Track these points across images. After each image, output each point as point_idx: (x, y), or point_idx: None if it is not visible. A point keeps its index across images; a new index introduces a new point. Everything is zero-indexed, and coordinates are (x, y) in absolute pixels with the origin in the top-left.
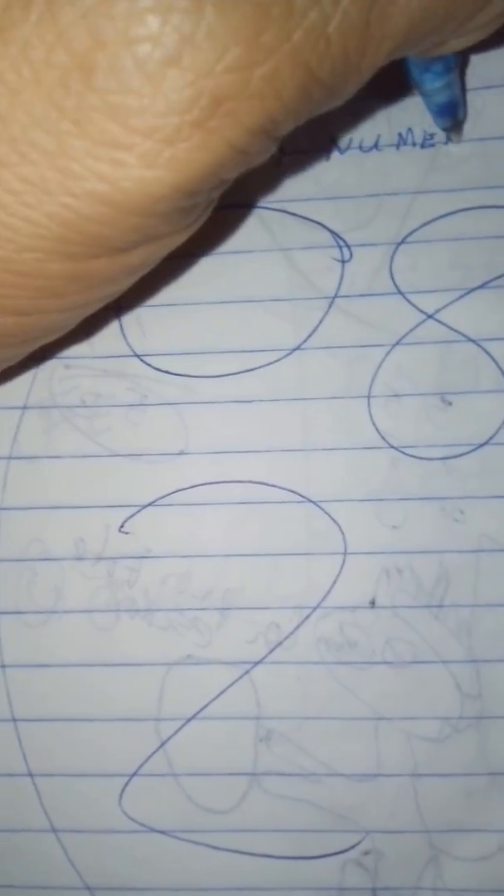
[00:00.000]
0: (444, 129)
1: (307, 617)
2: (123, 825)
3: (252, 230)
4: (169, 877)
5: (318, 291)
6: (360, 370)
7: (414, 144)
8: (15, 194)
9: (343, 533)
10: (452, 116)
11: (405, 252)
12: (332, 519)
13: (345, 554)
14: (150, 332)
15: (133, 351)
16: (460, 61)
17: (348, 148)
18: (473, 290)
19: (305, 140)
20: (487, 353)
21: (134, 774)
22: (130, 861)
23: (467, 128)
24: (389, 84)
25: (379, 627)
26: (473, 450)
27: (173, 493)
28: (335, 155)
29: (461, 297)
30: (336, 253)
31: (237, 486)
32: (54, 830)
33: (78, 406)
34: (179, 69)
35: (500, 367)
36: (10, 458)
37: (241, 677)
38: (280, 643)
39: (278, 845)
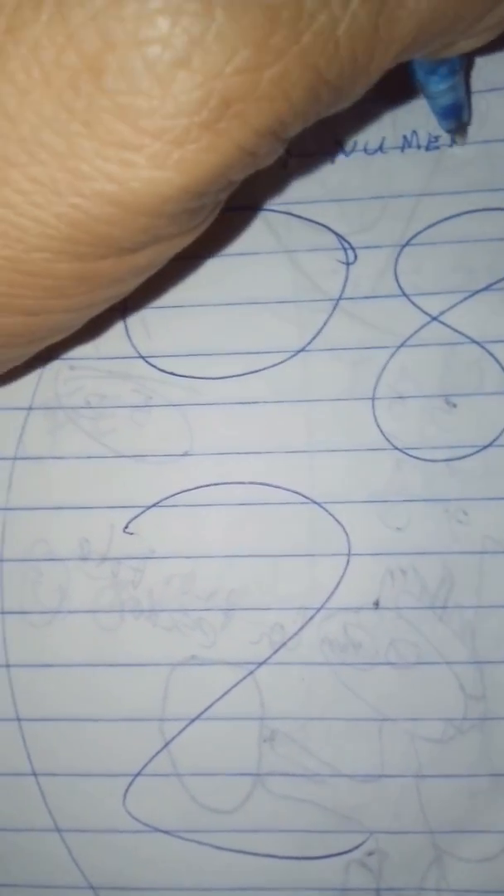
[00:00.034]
0: (449, 132)
1: (311, 618)
2: (127, 825)
3: (257, 232)
4: (173, 877)
5: (323, 293)
6: (364, 372)
7: (419, 147)
8: (24, 194)
9: (347, 534)
10: (457, 119)
11: (410, 254)
12: (336, 520)
13: (349, 555)
14: (155, 333)
15: (138, 352)
16: (465, 64)
17: (353, 150)
18: (478, 292)
19: (311, 143)
20: (492, 355)
21: (138, 774)
22: (134, 861)
23: (472, 130)
24: (394, 87)
25: (383, 628)
26: (477, 451)
27: (178, 493)
28: (340, 157)
29: (465, 299)
30: (341, 255)
31: (242, 488)
32: (58, 830)
33: (83, 407)
34: (189, 71)
35: None
36: (15, 458)
37: (245, 678)
38: (284, 644)
39: (282, 845)
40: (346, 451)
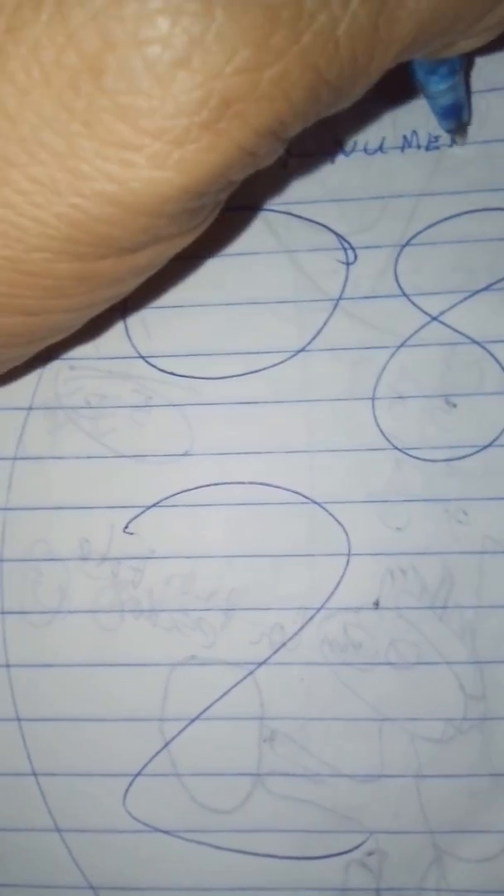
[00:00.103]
0: (449, 132)
1: (311, 618)
2: (127, 825)
3: (257, 232)
4: (173, 877)
5: (323, 293)
6: (364, 372)
7: (419, 147)
8: (24, 194)
9: (347, 534)
10: (457, 119)
11: (410, 254)
12: (336, 520)
13: (349, 555)
14: (155, 333)
15: (138, 352)
16: (465, 63)
17: (353, 151)
18: (478, 292)
19: (311, 143)
20: (492, 355)
21: (138, 774)
22: (134, 861)
23: (472, 130)
24: (395, 87)
25: (383, 628)
26: (477, 451)
27: (178, 493)
28: (340, 158)
29: (465, 299)
30: (341, 255)
31: (242, 488)
32: (58, 830)
33: (83, 407)
34: (189, 71)
35: None
36: (15, 458)
37: (245, 678)
38: (284, 644)
39: (282, 845)
40: (346, 451)
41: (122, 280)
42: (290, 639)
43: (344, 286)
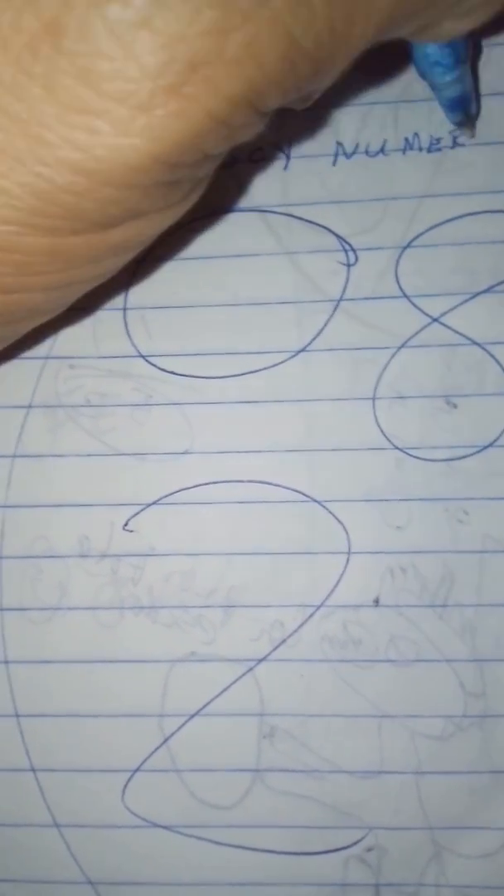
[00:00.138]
0: (457, 125)
1: (311, 615)
2: (126, 820)
3: (258, 234)
4: (172, 872)
5: (324, 294)
6: (364, 372)
7: (420, 149)
8: None
9: (347, 532)
10: (464, 111)
11: (411, 256)
12: (337, 518)
13: (349, 553)
14: (156, 332)
15: (138, 351)
16: (470, 54)
17: (354, 152)
18: (479, 294)
19: (312, 144)
20: (492, 356)
21: (137, 770)
22: (133, 856)
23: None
24: (396, 88)
25: (383, 626)
26: (478, 451)
27: (178, 491)
28: (341, 159)
29: (466, 301)
30: (342, 257)
31: (242, 486)
32: (57, 826)
33: (83, 405)
34: (151, 31)
35: None
36: (14, 456)
37: (244, 674)
38: (284, 641)
39: (281, 841)
40: (346, 450)
41: (99, 259)
42: (290, 636)
43: (345, 287)
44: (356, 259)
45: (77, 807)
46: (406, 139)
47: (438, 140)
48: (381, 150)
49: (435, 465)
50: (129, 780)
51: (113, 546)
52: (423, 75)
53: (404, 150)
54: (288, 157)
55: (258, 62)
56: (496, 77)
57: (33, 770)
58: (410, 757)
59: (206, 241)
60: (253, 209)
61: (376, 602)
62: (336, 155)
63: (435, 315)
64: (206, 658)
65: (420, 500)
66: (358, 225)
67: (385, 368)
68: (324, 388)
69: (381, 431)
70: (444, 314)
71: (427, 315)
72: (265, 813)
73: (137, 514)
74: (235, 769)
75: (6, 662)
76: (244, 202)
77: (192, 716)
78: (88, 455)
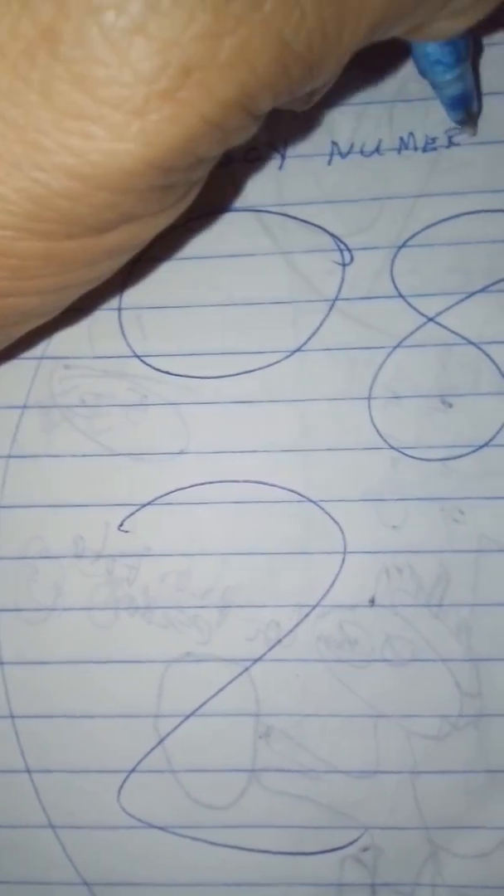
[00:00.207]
0: (458, 123)
1: (307, 615)
2: (122, 821)
3: (253, 233)
4: (167, 873)
5: (319, 294)
6: (360, 372)
7: (415, 148)
8: None
9: (343, 532)
10: (465, 110)
11: (406, 255)
12: (332, 518)
13: (344, 553)
14: (151, 332)
15: (133, 352)
16: (471, 52)
17: (350, 152)
18: (474, 293)
19: (307, 144)
20: (488, 355)
21: (132, 771)
22: (128, 857)
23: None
24: (391, 87)
25: (379, 626)
26: (473, 451)
27: (173, 492)
28: (337, 159)
29: (462, 300)
30: (337, 256)
31: (237, 486)
32: (52, 827)
33: (78, 406)
34: (145, 37)
35: (500, 370)
36: (9, 456)
37: (240, 674)
38: (280, 641)
39: (277, 841)
40: (341, 449)
41: (94, 262)
42: (285, 635)
43: (340, 287)
44: (351, 259)
45: (72, 808)
46: (401, 138)
47: (434, 139)
48: (377, 149)
49: (431, 465)
50: (124, 780)
51: (108, 546)
52: (423, 74)
53: (399, 150)
54: (283, 157)
55: (251, 66)
56: (494, 76)
57: (28, 771)
58: (406, 757)
59: (202, 241)
60: (248, 209)
61: (372, 602)
62: (331, 154)
63: (430, 315)
64: (202, 658)
65: (416, 499)
66: (353, 224)
67: (381, 368)
68: (319, 388)
69: (377, 431)
70: (439, 314)
71: (423, 315)
72: (261, 813)
73: (133, 514)
74: (231, 769)
75: (1, 663)
76: (239, 202)
77: (188, 716)
78: (84, 455)
